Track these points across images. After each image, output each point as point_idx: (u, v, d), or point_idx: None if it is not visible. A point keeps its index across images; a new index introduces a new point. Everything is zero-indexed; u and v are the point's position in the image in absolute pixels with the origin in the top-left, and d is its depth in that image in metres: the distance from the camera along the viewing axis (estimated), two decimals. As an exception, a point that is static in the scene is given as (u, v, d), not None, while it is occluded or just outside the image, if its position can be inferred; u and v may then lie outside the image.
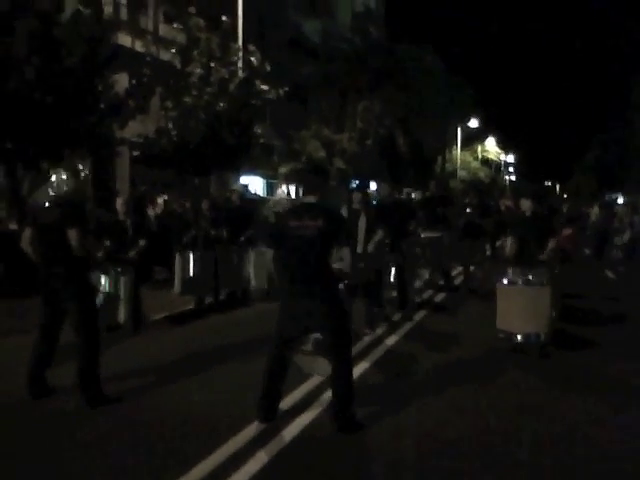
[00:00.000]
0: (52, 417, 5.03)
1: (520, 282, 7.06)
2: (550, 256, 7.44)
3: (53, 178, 5.42)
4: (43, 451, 4.39)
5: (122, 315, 7.78)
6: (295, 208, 5.06)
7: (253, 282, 10.69)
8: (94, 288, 5.57)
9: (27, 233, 5.47)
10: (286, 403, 5.18)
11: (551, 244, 7.48)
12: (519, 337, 6.98)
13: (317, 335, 4.84)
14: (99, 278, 7.56)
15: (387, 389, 5.90)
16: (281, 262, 5.00)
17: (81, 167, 5.67)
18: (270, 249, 5.12)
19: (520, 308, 6.97)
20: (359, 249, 7.99)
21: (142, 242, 8.16)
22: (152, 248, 8.95)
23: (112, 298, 7.58)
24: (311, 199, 4.96)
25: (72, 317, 5.32)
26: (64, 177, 5.37)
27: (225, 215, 10.40)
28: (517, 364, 6.74)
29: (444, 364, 6.74)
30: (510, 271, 7.23)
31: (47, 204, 5.50)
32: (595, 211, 20.43)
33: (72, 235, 5.12)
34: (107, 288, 7.62)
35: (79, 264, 5.27)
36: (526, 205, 7.87)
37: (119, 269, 7.77)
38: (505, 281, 7.20)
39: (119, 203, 8.50)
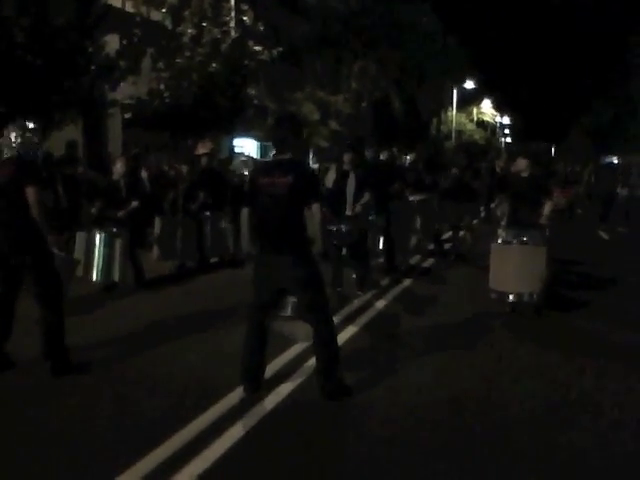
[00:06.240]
0: (37, 385, 4.86)
1: (515, 242, 6.97)
2: (547, 219, 7.34)
3: (11, 136, 5.01)
4: (25, 418, 4.29)
5: (116, 275, 7.86)
6: (266, 165, 4.85)
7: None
8: (51, 252, 5.12)
9: None
10: (270, 370, 5.00)
11: (548, 207, 7.35)
12: (511, 297, 6.92)
13: (295, 299, 4.65)
14: (94, 237, 7.67)
15: (377, 352, 5.84)
16: (253, 221, 4.77)
17: (31, 125, 5.36)
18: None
19: (514, 268, 6.87)
20: (348, 211, 7.95)
21: (134, 203, 8.24)
22: (145, 211, 9.00)
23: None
24: (284, 156, 4.63)
25: (29, 284, 5.02)
26: (13, 135, 5.00)
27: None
28: (508, 326, 6.78)
29: (435, 326, 6.73)
30: (504, 232, 7.19)
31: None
32: (588, 172, 20.37)
33: (30, 193, 4.81)
34: (102, 247, 7.69)
35: (33, 227, 4.88)
36: (522, 164, 7.58)
37: (114, 229, 7.84)
38: (500, 241, 7.13)
39: (119, 164, 8.48)
